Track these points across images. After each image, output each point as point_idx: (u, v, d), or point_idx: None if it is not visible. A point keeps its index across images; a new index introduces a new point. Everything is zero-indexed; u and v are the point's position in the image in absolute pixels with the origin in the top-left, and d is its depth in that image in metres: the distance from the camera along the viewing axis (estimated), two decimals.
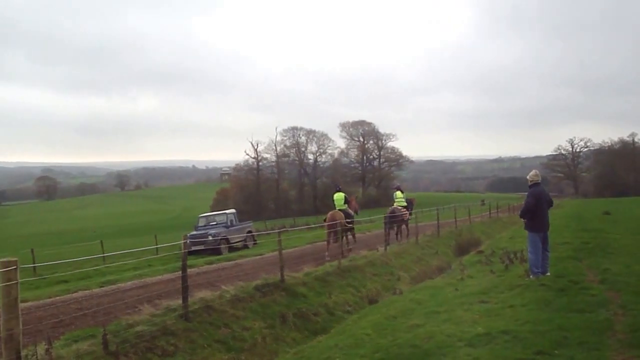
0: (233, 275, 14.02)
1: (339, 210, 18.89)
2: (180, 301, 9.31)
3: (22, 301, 12.37)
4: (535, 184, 10.25)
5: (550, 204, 10.38)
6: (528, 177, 10.43)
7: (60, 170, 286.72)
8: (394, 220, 21.46)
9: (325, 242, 18.23)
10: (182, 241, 9.11)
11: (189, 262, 19.27)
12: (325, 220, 18.58)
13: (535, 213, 10.03)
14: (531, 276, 10.05)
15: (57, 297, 13.22)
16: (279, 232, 12.67)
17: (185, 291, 9.14)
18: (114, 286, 14.64)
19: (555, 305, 7.73)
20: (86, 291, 14.10)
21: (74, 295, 13.57)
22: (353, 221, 19.71)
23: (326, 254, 17.13)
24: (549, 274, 10.10)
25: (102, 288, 14.44)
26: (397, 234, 22.10)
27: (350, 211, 19.59)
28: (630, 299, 7.83)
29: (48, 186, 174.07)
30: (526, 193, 10.35)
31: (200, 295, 10.18)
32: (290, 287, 11.91)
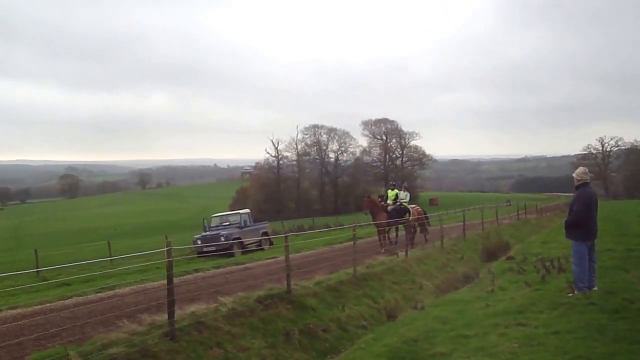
0: (240, 281, 12.79)
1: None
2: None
3: (11, 308, 11.68)
4: (585, 184, 8.58)
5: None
6: (575, 175, 8.72)
7: (83, 169, 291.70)
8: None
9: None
10: (166, 248, 7.72)
11: (197, 266, 18.54)
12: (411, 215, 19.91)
13: (584, 219, 8.47)
14: (576, 292, 8.51)
15: (48, 305, 12.12)
16: (285, 237, 11.25)
17: (171, 306, 7.84)
18: (111, 292, 13.60)
19: (612, 334, 6.21)
20: (80, 298, 13.12)
21: (67, 302, 12.53)
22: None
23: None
24: (596, 288, 8.58)
25: (98, 294, 13.41)
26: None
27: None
28: None
29: (71, 184, 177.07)
30: (567, 194, 8.82)
31: (191, 309, 8.88)
32: (298, 299, 10.52)
